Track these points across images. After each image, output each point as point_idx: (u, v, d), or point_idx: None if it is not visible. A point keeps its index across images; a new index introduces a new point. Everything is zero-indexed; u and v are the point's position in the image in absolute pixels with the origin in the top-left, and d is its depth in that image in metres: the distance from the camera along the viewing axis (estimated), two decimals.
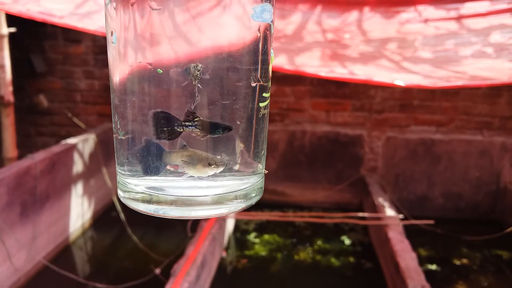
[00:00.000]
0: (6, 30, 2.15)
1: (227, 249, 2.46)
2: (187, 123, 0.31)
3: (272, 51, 0.36)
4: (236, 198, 0.35)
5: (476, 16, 1.64)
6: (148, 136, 0.33)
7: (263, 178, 0.39)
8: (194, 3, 0.30)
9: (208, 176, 0.33)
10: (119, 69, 0.33)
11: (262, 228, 2.75)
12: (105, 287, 2.03)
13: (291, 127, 3.08)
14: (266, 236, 2.64)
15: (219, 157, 0.33)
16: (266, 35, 0.34)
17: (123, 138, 0.34)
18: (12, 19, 2.16)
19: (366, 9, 1.80)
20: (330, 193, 3.08)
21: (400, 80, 1.31)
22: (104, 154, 2.81)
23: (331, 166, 3.09)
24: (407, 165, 3.01)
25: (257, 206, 2.89)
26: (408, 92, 2.98)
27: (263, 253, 2.46)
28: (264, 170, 0.38)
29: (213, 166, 0.32)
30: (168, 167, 0.33)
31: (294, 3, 1.80)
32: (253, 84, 0.34)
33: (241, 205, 0.35)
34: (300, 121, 3.09)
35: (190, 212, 0.34)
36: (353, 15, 1.79)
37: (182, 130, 0.31)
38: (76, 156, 2.55)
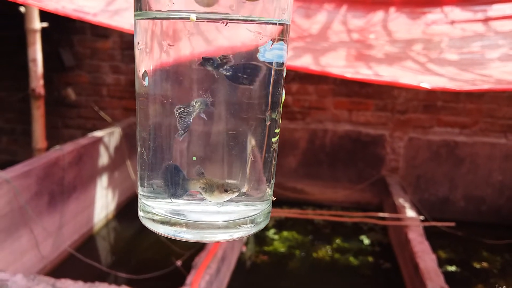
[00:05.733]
0: (39, 25, 2.22)
1: (246, 244, 2.49)
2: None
3: (283, 91, 0.38)
4: (246, 223, 0.37)
5: (503, 18, 1.62)
6: (170, 161, 0.35)
7: (271, 204, 0.41)
8: None
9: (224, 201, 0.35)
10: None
11: (281, 225, 2.77)
12: (127, 276, 2.08)
13: (312, 126, 3.08)
14: (285, 233, 2.66)
15: (234, 182, 0.35)
16: (277, 75, 0.35)
17: (146, 160, 0.37)
18: (42, 14, 2.22)
19: (392, 10, 1.80)
20: (350, 192, 3.08)
21: (426, 82, 1.32)
22: (129, 147, 2.88)
23: (352, 166, 3.09)
24: (429, 166, 2.99)
25: (277, 203, 2.92)
26: (432, 93, 2.95)
27: (281, 249, 2.48)
28: (272, 197, 0.40)
29: (229, 192, 0.34)
30: (191, 192, 0.35)
31: (319, 2, 1.82)
32: (268, 123, 0.36)
33: (251, 229, 0.38)
34: (322, 119, 3.10)
35: (205, 236, 0.36)
36: (379, 15, 1.79)
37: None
38: (102, 149, 2.61)
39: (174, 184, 0.35)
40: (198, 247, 2.07)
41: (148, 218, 0.38)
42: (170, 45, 0.33)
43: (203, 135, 0.34)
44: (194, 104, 0.33)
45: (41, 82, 2.30)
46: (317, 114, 3.11)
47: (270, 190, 0.40)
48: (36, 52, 2.25)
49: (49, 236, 2.10)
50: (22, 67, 2.48)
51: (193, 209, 0.36)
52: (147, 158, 0.36)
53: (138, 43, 0.35)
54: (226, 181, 0.35)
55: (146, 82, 0.34)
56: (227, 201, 0.35)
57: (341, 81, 3.03)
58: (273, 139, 0.37)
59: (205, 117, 0.33)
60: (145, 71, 0.34)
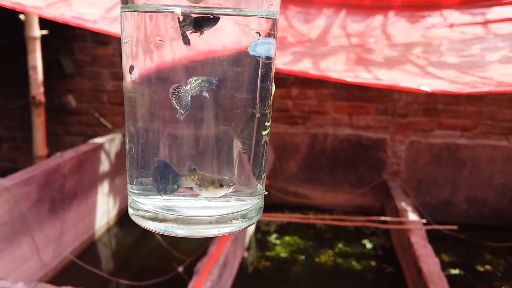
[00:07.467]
0: (38, 33, 2.23)
1: (248, 249, 2.48)
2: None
3: (273, 84, 0.38)
4: (237, 217, 0.37)
5: (503, 21, 1.62)
6: (160, 156, 0.35)
7: (263, 199, 0.41)
8: None
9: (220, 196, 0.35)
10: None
11: (283, 229, 2.76)
12: (128, 283, 2.07)
13: (313, 130, 3.08)
14: (287, 238, 2.66)
15: (227, 177, 0.35)
16: (267, 68, 0.36)
17: (135, 157, 0.37)
18: (42, 21, 2.23)
19: (391, 14, 1.81)
20: (352, 196, 3.07)
21: (426, 85, 1.31)
22: None
23: (353, 170, 3.08)
24: (431, 169, 2.99)
25: (278, 208, 2.91)
26: (433, 96, 2.95)
27: (283, 254, 2.47)
28: (264, 191, 0.40)
29: (224, 187, 0.34)
30: (180, 188, 0.35)
31: (318, 7, 1.82)
32: (258, 116, 0.36)
33: (243, 224, 0.38)
34: (323, 124, 3.10)
35: (196, 231, 0.36)
36: (378, 19, 1.80)
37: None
38: (103, 156, 2.61)
39: (165, 181, 0.35)
40: (200, 253, 2.07)
41: (138, 215, 0.38)
42: (160, 40, 0.33)
43: (192, 130, 0.34)
44: (194, 82, 0.32)
45: (42, 89, 2.30)
46: (318, 119, 3.11)
47: (261, 185, 0.40)
48: (36, 59, 2.25)
49: (50, 243, 2.10)
50: (22, 74, 2.49)
51: (184, 204, 0.36)
52: (136, 154, 0.36)
53: (125, 36, 0.35)
54: (219, 176, 0.35)
55: (133, 76, 0.35)
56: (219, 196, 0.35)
57: (341, 85, 3.03)
58: (264, 133, 0.37)
59: (207, 96, 0.33)
60: (132, 65, 0.35)
